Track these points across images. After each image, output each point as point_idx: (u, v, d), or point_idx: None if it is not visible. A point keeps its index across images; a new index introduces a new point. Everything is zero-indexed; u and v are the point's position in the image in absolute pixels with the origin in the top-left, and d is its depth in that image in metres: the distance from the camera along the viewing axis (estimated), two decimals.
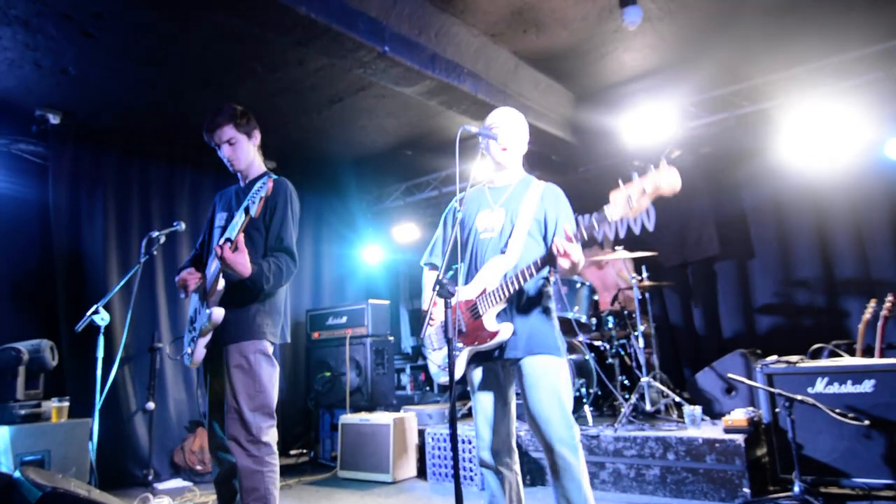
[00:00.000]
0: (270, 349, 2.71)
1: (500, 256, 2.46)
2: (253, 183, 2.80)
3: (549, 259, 2.23)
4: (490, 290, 2.39)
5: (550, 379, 2.36)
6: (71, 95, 4.75)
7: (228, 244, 2.45)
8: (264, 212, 2.70)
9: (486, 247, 2.53)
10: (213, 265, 2.65)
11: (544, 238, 2.52)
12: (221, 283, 2.60)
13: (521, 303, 2.45)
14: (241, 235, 2.47)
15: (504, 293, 2.36)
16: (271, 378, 2.68)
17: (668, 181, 2.00)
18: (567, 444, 2.31)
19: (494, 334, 2.37)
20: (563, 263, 2.21)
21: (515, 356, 2.40)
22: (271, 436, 2.64)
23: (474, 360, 2.50)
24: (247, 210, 2.46)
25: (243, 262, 2.45)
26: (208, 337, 2.65)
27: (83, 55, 4.21)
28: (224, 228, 2.76)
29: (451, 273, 2.60)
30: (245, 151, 2.83)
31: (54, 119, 4.92)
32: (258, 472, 2.55)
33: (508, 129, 2.59)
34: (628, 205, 2.03)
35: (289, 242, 2.69)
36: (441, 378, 2.50)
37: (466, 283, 2.55)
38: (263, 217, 2.70)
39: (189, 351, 2.70)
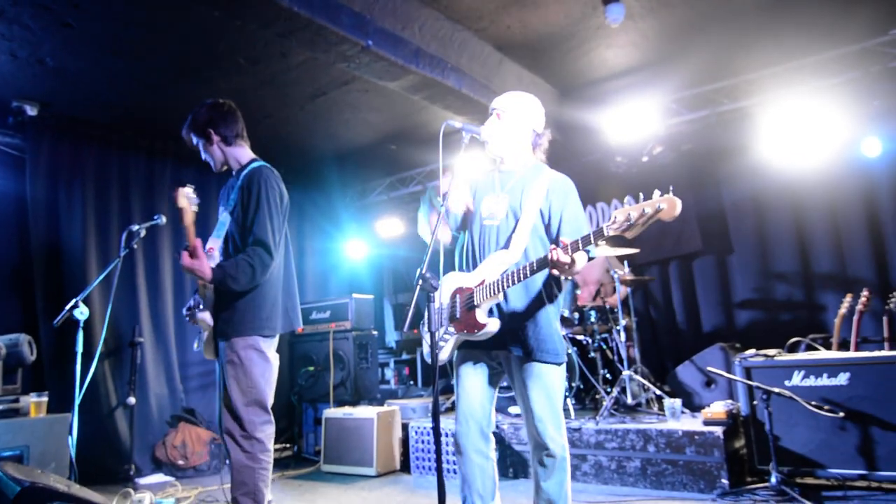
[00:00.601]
0: (265, 344, 2.67)
1: (504, 251, 2.46)
2: (240, 173, 2.82)
3: (543, 263, 2.25)
4: (488, 283, 2.41)
5: (546, 383, 2.40)
6: (49, 87, 4.66)
7: (186, 251, 2.49)
8: (245, 203, 2.69)
9: (489, 235, 2.53)
10: None
11: (547, 231, 2.52)
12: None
13: (524, 300, 2.45)
14: (198, 241, 2.52)
15: (500, 288, 2.37)
16: (264, 373, 2.65)
17: (671, 209, 2.04)
18: (556, 444, 2.38)
19: (483, 326, 2.39)
20: (555, 272, 2.28)
21: (515, 353, 2.41)
22: (266, 432, 2.64)
23: (464, 346, 2.52)
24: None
25: (200, 268, 2.49)
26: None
27: (61, 46, 4.14)
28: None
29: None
30: (211, 154, 2.87)
31: (31, 110, 4.84)
32: (249, 467, 2.56)
33: (497, 115, 2.61)
34: (627, 223, 2.07)
35: (261, 234, 2.63)
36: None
37: (469, 267, 2.57)
38: (244, 207, 2.69)
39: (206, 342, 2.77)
